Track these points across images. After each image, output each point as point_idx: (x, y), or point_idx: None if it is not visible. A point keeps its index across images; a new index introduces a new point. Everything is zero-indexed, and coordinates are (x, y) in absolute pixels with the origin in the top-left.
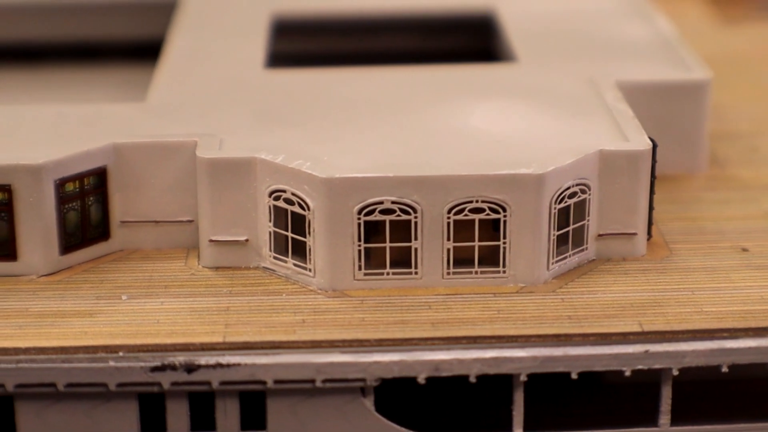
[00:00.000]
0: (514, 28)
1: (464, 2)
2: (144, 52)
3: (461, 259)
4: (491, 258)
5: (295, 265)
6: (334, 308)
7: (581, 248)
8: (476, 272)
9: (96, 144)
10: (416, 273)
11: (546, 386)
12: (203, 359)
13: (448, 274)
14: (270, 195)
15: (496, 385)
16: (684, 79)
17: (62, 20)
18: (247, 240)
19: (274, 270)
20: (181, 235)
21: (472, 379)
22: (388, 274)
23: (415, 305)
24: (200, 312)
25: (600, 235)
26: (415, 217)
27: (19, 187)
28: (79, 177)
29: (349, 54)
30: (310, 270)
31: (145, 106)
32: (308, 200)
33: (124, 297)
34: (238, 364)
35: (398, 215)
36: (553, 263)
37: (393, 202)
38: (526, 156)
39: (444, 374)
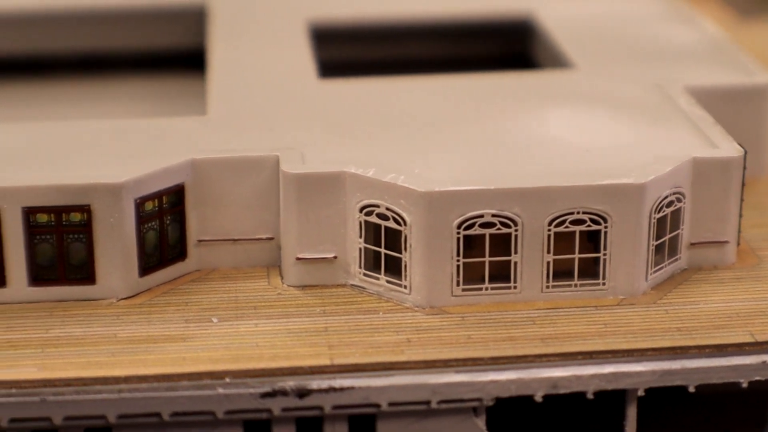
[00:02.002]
0: (560, 34)
1: (498, 8)
2: (162, 62)
3: (559, 272)
4: (590, 270)
5: (388, 281)
6: (436, 326)
7: (675, 257)
8: (575, 285)
9: (174, 160)
10: (515, 287)
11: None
12: (314, 383)
13: (547, 287)
14: (361, 210)
15: (585, 403)
16: (748, 83)
17: (77, 30)
18: (335, 257)
19: (363, 287)
20: (261, 253)
21: (590, 396)
22: (486, 289)
23: (518, 320)
24: (299, 333)
25: (692, 244)
26: (516, 230)
27: (99, 207)
28: (158, 195)
29: (385, 60)
30: (405, 287)
31: (209, 120)
32: (405, 215)
33: (214, 320)
34: (352, 387)
35: (498, 228)
36: (650, 274)
37: (494, 215)
38: (622, 165)
39: (561, 391)
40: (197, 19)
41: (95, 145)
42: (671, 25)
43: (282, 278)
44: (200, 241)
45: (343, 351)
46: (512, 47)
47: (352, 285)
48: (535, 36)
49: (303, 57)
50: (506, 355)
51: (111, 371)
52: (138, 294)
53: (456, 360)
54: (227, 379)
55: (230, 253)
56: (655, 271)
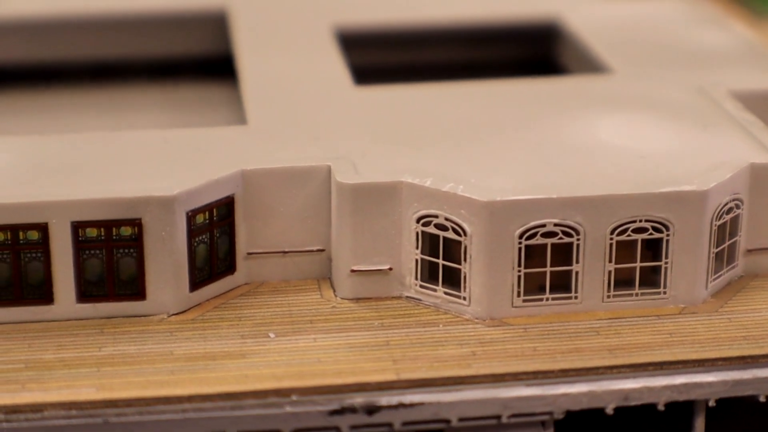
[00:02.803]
0: (591, 37)
1: (522, 11)
2: (180, 69)
3: (620, 281)
4: (650, 278)
5: (446, 293)
6: (499, 338)
7: (733, 265)
8: (636, 294)
9: (223, 172)
10: (576, 297)
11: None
12: (383, 399)
13: (608, 297)
14: (418, 221)
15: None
16: None
17: (92, 38)
18: (390, 269)
19: (419, 299)
20: (311, 265)
21: (661, 407)
22: (547, 299)
23: (582, 331)
24: (360, 348)
25: (748, 251)
26: (578, 240)
27: (150, 220)
28: (209, 208)
29: (409, 65)
30: (464, 298)
31: (250, 130)
32: (465, 225)
33: (271, 335)
34: (422, 403)
35: (560, 238)
36: (710, 282)
37: (556, 225)
38: (681, 172)
39: (633, 403)
40: (217, 26)
41: (140, 157)
42: (701, 27)
43: (335, 291)
44: (249, 253)
45: (409, 365)
46: (537, 51)
47: (408, 297)
48: (561, 40)
49: (335, 63)
50: (576, 367)
51: (173, 390)
52: (188, 309)
53: (525, 373)
54: (294, 397)
55: (280, 265)
56: (714, 279)
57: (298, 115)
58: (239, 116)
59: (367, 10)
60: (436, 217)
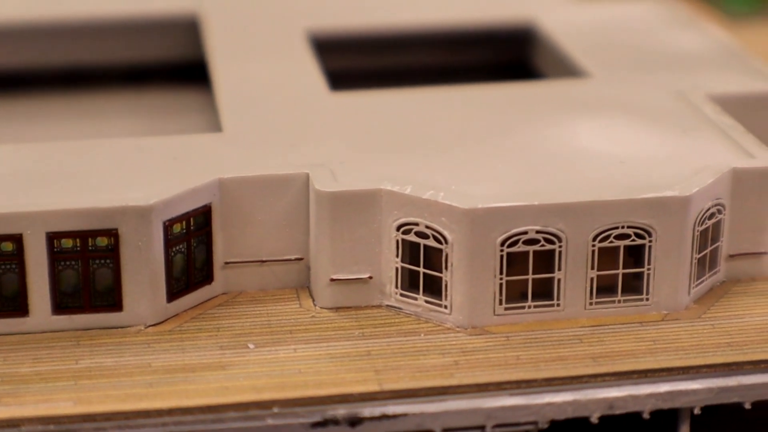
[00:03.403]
0: (566, 41)
1: (496, 15)
2: (150, 75)
3: (602, 288)
4: (632, 285)
5: (427, 302)
6: (481, 347)
7: (715, 270)
8: (619, 301)
9: (200, 180)
10: (558, 304)
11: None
12: (366, 411)
13: (591, 304)
14: (398, 229)
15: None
16: None
17: (60, 44)
18: (370, 277)
19: (400, 308)
20: (289, 274)
21: (646, 416)
22: (529, 307)
23: (565, 339)
24: (341, 358)
25: (730, 256)
26: (560, 246)
27: (127, 230)
28: (186, 217)
29: (382, 69)
30: (445, 306)
31: (226, 137)
32: (446, 233)
33: (250, 345)
34: (405, 414)
35: (542, 245)
36: (693, 288)
37: (537, 232)
38: (662, 178)
39: (617, 412)
40: (189, 31)
41: (114, 165)
42: (676, 29)
43: (314, 300)
44: (227, 263)
45: (391, 376)
46: (512, 55)
47: (388, 306)
48: (537, 43)
49: (309, 69)
50: (560, 376)
51: (152, 403)
52: (166, 320)
53: (509, 382)
54: (275, 409)
55: (257, 275)
56: (697, 285)
57: (274, 122)
58: (214, 123)
59: (341, 14)
60: (417, 224)
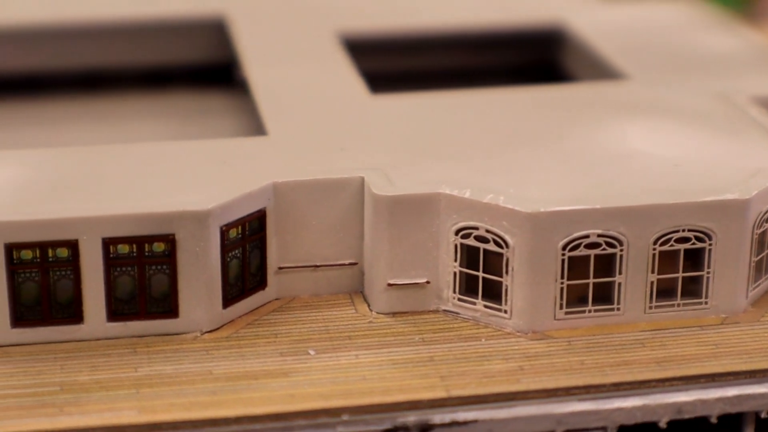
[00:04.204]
0: (600, 43)
1: (526, 17)
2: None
3: (661, 292)
4: (690, 288)
5: (486, 306)
6: (544, 352)
7: None
8: (678, 304)
9: (255, 185)
10: (618, 308)
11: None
12: (437, 417)
13: (650, 308)
14: (457, 233)
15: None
16: None
17: (85, 46)
18: (427, 282)
19: (457, 313)
20: (342, 279)
21: (713, 420)
22: (589, 311)
23: (627, 343)
24: (404, 364)
25: None
26: (621, 250)
27: (184, 236)
28: (242, 222)
29: (410, 71)
30: (505, 311)
31: (273, 141)
32: (507, 237)
33: (311, 352)
34: (475, 420)
35: (603, 249)
36: (750, 291)
37: (599, 236)
38: (720, 181)
39: (685, 416)
40: (212, 33)
41: (165, 169)
42: (709, 31)
43: (369, 305)
44: (280, 268)
45: (457, 382)
46: (540, 56)
47: (445, 310)
48: (566, 45)
49: (346, 71)
50: (628, 381)
51: (218, 412)
52: (221, 326)
53: (577, 387)
54: (345, 416)
55: (311, 280)
56: (754, 288)
57: (319, 125)
58: (245, 126)
59: (368, 16)
60: (477, 229)
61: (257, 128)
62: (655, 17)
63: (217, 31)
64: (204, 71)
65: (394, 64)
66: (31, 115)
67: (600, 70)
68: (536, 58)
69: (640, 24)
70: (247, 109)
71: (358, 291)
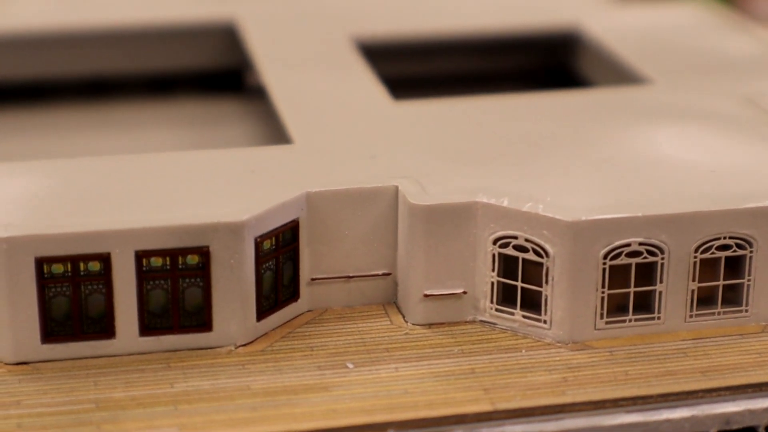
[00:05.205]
0: (618, 47)
1: (539, 21)
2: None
3: (701, 300)
4: (730, 297)
5: (524, 317)
6: (587, 363)
7: None
8: (719, 313)
9: (288, 195)
10: (659, 317)
11: None
12: (483, 431)
13: (691, 316)
14: (495, 242)
15: None
16: None
17: (91, 52)
18: (464, 292)
19: (495, 323)
20: (375, 290)
21: (761, 431)
22: (630, 320)
23: (669, 353)
24: (446, 377)
25: None
26: (662, 259)
27: (218, 248)
28: (276, 233)
29: (424, 76)
30: (545, 321)
31: (300, 150)
32: (548, 246)
33: (349, 365)
34: None
35: (645, 257)
36: None
37: (640, 244)
38: (758, 186)
39: (734, 427)
40: (223, 38)
41: (195, 180)
42: (727, 34)
43: (404, 316)
44: (313, 279)
45: (501, 394)
46: (554, 60)
47: (482, 321)
48: (582, 49)
49: (365, 77)
50: (675, 392)
51: (260, 428)
52: (255, 340)
53: (624, 399)
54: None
55: (344, 291)
56: None
57: (344, 132)
58: (262, 133)
59: (382, 21)
60: (515, 238)
61: (274, 136)
62: (670, 20)
63: (227, 36)
64: (212, 78)
65: (408, 68)
66: (39, 124)
67: (619, 75)
68: (550, 62)
69: (654, 27)
70: (261, 116)
71: (391, 302)
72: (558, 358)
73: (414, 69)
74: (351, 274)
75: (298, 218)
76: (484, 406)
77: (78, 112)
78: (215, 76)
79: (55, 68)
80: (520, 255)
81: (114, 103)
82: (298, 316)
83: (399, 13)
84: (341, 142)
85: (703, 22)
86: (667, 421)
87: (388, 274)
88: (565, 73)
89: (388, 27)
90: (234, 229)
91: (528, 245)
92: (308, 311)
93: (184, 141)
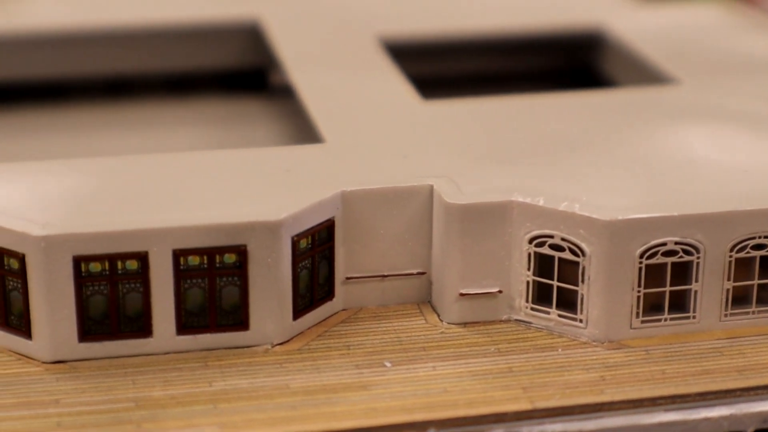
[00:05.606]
0: (645, 47)
1: (563, 21)
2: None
3: (735, 299)
4: (765, 296)
5: (560, 316)
6: (623, 361)
7: None
8: (753, 312)
9: (323, 194)
10: (694, 317)
11: None
12: (524, 429)
13: (725, 315)
14: (531, 241)
15: None
16: None
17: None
18: (500, 291)
19: (530, 322)
20: (410, 289)
21: None
22: (665, 320)
23: (705, 352)
24: (484, 376)
25: None
26: (698, 258)
27: (256, 247)
28: (312, 232)
29: (447, 75)
30: (580, 320)
31: (332, 149)
32: (584, 245)
33: (387, 364)
34: None
35: (680, 256)
36: None
37: (676, 243)
38: None
39: None
40: (248, 38)
41: (230, 179)
42: (753, 34)
43: (439, 315)
44: (348, 278)
45: (540, 393)
46: (575, 60)
47: (517, 320)
48: (606, 49)
49: (393, 76)
50: (712, 390)
51: (302, 427)
52: (291, 339)
53: (662, 398)
54: (431, 430)
55: (378, 290)
56: None
57: (376, 132)
58: (288, 132)
59: (407, 20)
60: (551, 237)
61: (300, 135)
62: (694, 20)
63: (250, 35)
64: (235, 77)
65: (431, 68)
66: (63, 123)
67: (644, 75)
68: (573, 61)
69: (679, 27)
70: (285, 115)
71: (425, 301)
72: (594, 357)
73: (437, 68)
74: (385, 273)
75: (333, 217)
76: (524, 405)
77: (102, 112)
78: (238, 75)
79: (78, 67)
80: (556, 254)
81: (137, 102)
82: (332, 315)
83: (422, 13)
84: (373, 141)
85: (728, 22)
86: (706, 419)
87: (423, 273)
88: (589, 73)
89: (412, 26)
90: (271, 228)
91: (564, 244)
92: (342, 310)
93: (209, 140)
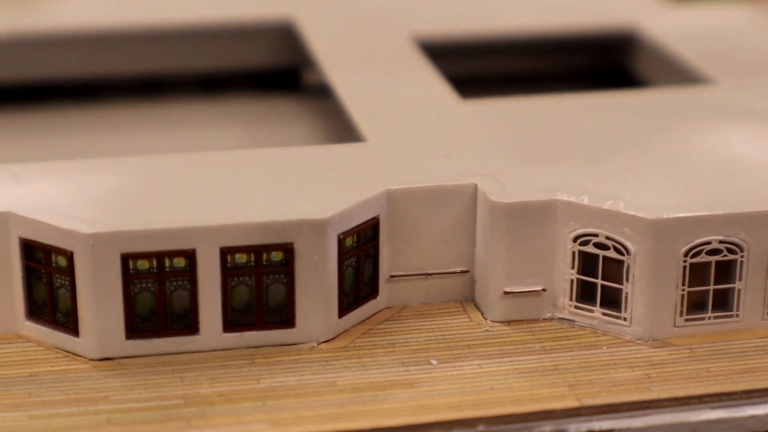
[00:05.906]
0: (679, 47)
1: (596, 21)
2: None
3: None
4: None
5: (604, 314)
6: (668, 360)
7: None
8: None
9: (370, 192)
10: (737, 315)
11: None
12: (572, 427)
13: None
14: (575, 240)
15: None
16: None
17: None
18: (544, 290)
19: (573, 320)
20: (453, 287)
21: None
22: (708, 318)
23: (749, 350)
24: (530, 373)
25: None
26: (741, 257)
27: (303, 245)
28: (358, 230)
29: (480, 75)
30: (624, 319)
31: (374, 148)
32: (629, 244)
33: (433, 361)
34: (611, 430)
35: (725, 255)
36: None
37: (720, 242)
38: None
39: None
40: (282, 37)
41: (274, 177)
42: None
43: (483, 313)
44: (392, 276)
45: (587, 391)
46: (608, 61)
47: (560, 318)
48: (640, 49)
49: (430, 76)
50: (758, 388)
51: (350, 424)
52: (337, 336)
53: (709, 395)
54: (480, 427)
55: (422, 288)
56: None
57: (416, 131)
58: (325, 131)
59: (441, 20)
60: (596, 235)
61: (337, 134)
62: (726, 20)
63: (284, 35)
64: (268, 76)
65: (465, 67)
66: (97, 122)
67: (678, 75)
68: (607, 62)
69: (712, 27)
70: (320, 114)
71: (468, 299)
72: (639, 355)
73: (470, 68)
74: (429, 272)
75: (378, 215)
76: (571, 402)
77: (136, 111)
78: (271, 74)
79: (113, 67)
80: (600, 252)
81: (171, 102)
82: (376, 313)
83: (457, 13)
84: (414, 140)
85: (760, 22)
86: (752, 417)
87: (466, 272)
88: (622, 73)
89: (446, 26)
90: (318, 226)
91: (609, 243)
92: (386, 308)
93: (243, 139)
